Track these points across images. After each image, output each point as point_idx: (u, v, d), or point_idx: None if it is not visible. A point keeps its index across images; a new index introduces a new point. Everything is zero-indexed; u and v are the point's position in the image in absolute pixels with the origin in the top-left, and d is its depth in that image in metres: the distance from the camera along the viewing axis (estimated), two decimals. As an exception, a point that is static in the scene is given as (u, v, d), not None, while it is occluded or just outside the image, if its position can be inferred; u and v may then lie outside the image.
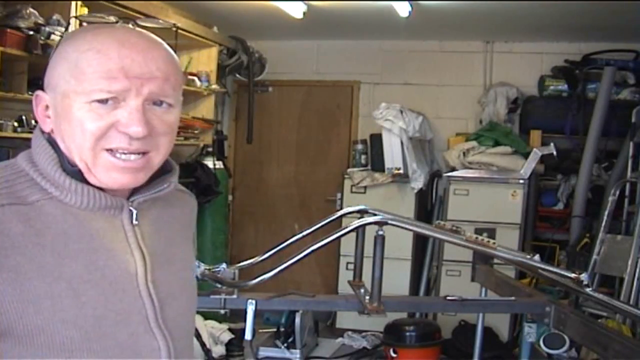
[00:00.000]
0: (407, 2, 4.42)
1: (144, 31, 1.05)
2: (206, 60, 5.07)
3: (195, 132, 5.00)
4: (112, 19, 0.86)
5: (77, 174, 1.00)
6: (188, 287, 1.15)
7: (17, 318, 0.92)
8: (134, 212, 1.05)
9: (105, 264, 0.99)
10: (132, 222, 1.04)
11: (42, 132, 1.04)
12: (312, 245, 2.47)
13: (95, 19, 0.86)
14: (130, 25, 1.05)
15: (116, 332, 0.98)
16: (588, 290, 2.50)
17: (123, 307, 1.00)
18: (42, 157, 1.00)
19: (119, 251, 1.02)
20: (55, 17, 3.42)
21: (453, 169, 5.23)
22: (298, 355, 4.55)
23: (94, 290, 0.97)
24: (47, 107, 1.02)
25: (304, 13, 4.71)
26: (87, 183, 1.00)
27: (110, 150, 0.98)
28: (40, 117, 1.03)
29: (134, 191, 1.05)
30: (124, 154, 0.98)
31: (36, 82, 3.64)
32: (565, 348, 2.42)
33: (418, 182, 5.18)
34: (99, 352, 0.97)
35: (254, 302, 2.46)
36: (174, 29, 3.77)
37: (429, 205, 5.60)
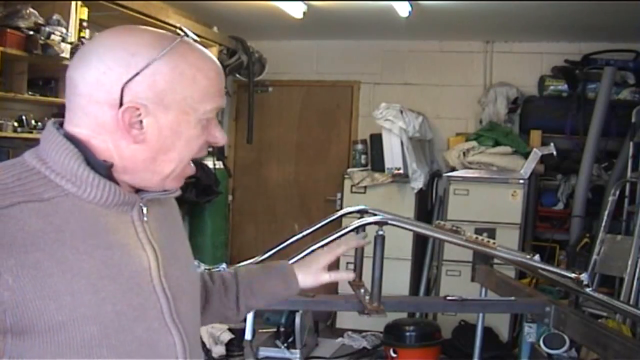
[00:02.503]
0: (407, 2, 4.42)
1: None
2: (206, 60, 5.06)
3: (195, 132, 4.99)
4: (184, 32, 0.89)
5: (104, 169, 1.01)
6: (193, 282, 1.17)
7: (38, 315, 0.92)
8: (144, 208, 1.06)
9: (120, 259, 1.00)
10: (141, 217, 1.05)
11: (57, 128, 1.02)
12: (312, 245, 2.46)
13: (193, 36, 0.90)
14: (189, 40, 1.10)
15: (134, 328, 0.99)
16: (588, 290, 2.50)
17: (140, 302, 1.00)
18: (60, 154, 0.99)
19: (132, 246, 1.02)
20: (55, 17, 3.42)
21: (453, 169, 5.23)
22: (298, 355, 4.54)
23: (112, 285, 0.98)
24: (139, 118, 0.99)
25: (304, 13, 4.72)
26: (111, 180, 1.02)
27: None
28: (126, 126, 1.00)
29: (138, 190, 1.07)
30: None
31: (36, 82, 3.64)
32: (565, 348, 2.42)
33: (418, 182, 5.18)
34: (118, 348, 0.97)
35: (253, 302, 2.46)
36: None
37: (429, 205, 5.60)
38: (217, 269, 2.50)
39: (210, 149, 5.19)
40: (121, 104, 0.98)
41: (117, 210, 1.03)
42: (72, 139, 1.01)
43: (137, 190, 1.07)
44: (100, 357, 0.96)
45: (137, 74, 0.98)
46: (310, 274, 1.44)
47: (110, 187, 1.01)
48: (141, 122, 1.00)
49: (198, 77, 1.02)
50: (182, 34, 1.06)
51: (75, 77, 1.00)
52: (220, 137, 1.08)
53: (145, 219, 1.06)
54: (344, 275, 1.53)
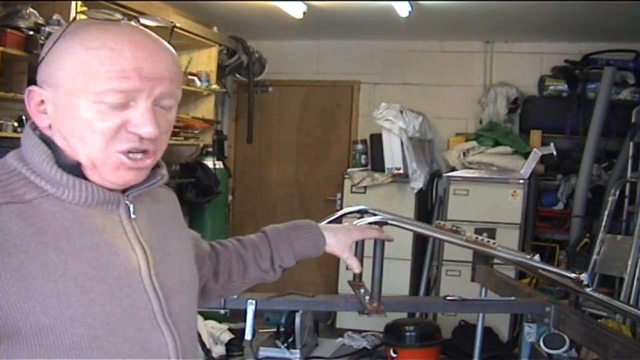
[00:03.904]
0: (407, 2, 4.42)
1: (149, 31, 1.04)
2: (206, 60, 5.07)
3: (195, 132, 4.99)
4: (118, 15, 0.87)
5: (74, 169, 0.99)
6: (188, 281, 1.15)
7: (23, 318, 0.91)
8: (131, 206, 1.04)
9: (108, 259, 0.98)
10: (129, 216, 1.04)
11: (34, 129, 1.02)
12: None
13: (101, 15, 0.87)
14: (133, 23, 1.05)
15: (124, 329, 0.98)
16: (588, 290, 2.49)
17: (130, 303, 0.99)
18: (35, 155, 0.99)
19: (120, 246, 1.01)
20: (55, 17, 3.42)
21: (453, 169, 5.23)
22: (298, 355, 4.54)
23: (100, 286, 0.96)
24: (41, 102, 1.01)
25: (304, 13, 4.71)
26: (84, 178, 1.00)
27: (121, 151, 0.98)
28: (34, 112, 1.02)
29: (127, 187, 1.05)
30: (134, 153, 0.99)
31: (35, 82, 3.64)
32: (565, 348, 2.42)
33: (418, 182, 5.18)
34: (109, 349, 0.96)
35: (254, 302, 2.46)
36: (171, 27, 3.76)
37: (429, 205, 5.60)
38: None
39: (210, 149, 5.13)
40: None
41: (103, 210, 1.01)
42: (46, 138, 1.01)
43: (127, 189, 1.05)
44: (90, 359, 0.94)
45: (42, 59, 0.99)
46: (339, 243, 1.46)
47: (86, 186, 0.99)
48: (42, 102, 1.00)
49: (88, 56, 0.95)
50: (121, 18, 1.03)
51: None
52: (138, 123, 0.97)
53: (133, 216, 1.04)
54: (355, 264, 1.56)
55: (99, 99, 0.95)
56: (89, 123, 0.96)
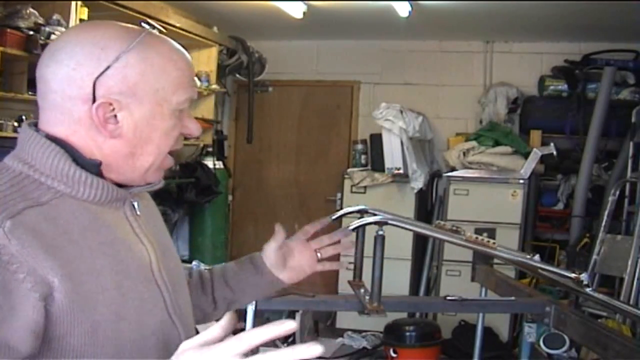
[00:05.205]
0: (407, 2, 4.42)
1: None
2: (206, 60, 5.07)
3: (195, 132, 4.99)
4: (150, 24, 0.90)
5: (93, 168, 1.00)
6: (183, 274, 1.18)
7: (79, 315, 0.91)
8: (136, 203, 1.06)
9: (125, 255, 1.00)
10: (134, 213, 1.06)
11: (37, 130, 1.01)
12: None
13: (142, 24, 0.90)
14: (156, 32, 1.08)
15: (149, 322, 1.00)
16: (588, 290, 2.49)
17: (149, 296, 1.01)
18: (46, 155, 0.98)
19: (132, 241, 1.03)
20: (55, 17, 3.42)
21: (453, 169, 5.23)
22: (298, 355, 4.54)
23: (127, 281, 0.98)
24: (112, 110, 0.99)
25: (304, 13, 4.72)
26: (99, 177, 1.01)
27: (171, 152, 1.07)
28: (101, 121, 0.99)
29: (122, 185, 1.06)
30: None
31: (36, 82, 3.64)
32: (565, 348, 2.42)
33: (418, 182, 5.18)
34: (140, 341, 0.97)
35: (254, 302, 2.46)
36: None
37: (429, 205, 5.60)
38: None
39: (210, 149, 5.15)
40: (94, 99, 0.97)
41: (111, 207, 1.02)
42: (54, 139, 0.99)
43: (121, 186, 1.06)
44: (128, 356, 0.95)
45: (108, 67, 0.97)
46: (294, 270, 1.45)
47: (103, 184, 1.00)
48: (116, 116, 0.99)
49: (169, 67, 1.00)
50: (147, 27, 1.04)
51: (47, 75, 0.99)
52: (193, 128, 1.07)
53: (138, 213, 1.06)
54: (334, 266, 1.53)
55: (176, 107, 1.02)
56: (168, 130, 1.03)
